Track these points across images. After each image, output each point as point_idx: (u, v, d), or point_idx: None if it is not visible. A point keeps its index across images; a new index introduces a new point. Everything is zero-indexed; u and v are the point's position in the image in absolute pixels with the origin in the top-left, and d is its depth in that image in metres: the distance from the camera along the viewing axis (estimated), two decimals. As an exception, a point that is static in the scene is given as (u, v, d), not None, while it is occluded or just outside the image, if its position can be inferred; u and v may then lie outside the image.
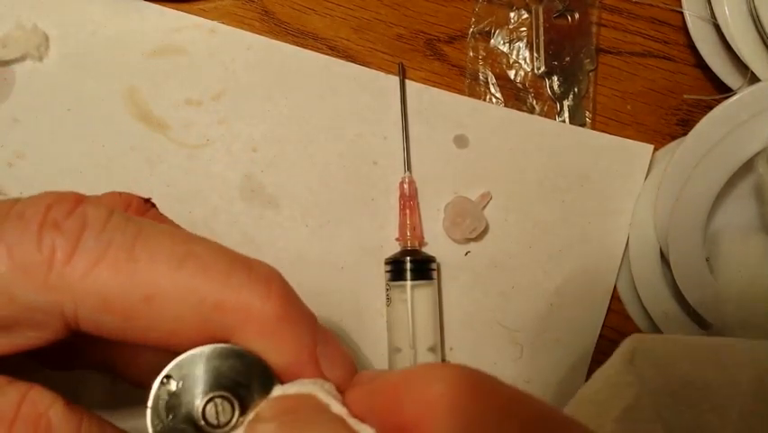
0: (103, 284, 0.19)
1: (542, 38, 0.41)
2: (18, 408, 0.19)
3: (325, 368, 0.22)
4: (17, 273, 0.19)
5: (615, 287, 0.40)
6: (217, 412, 0.20)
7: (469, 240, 0.38)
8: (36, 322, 0.20)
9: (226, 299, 0.20)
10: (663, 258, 0.37)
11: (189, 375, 0.20)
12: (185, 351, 0.20)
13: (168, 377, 0.20)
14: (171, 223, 0.26)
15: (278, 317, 0.21)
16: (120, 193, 0.26)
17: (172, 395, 0.20)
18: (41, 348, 0.20)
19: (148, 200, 0.26)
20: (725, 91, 0.39)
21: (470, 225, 0.38)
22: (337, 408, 0.20)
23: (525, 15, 0.41)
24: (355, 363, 0.23)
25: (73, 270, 0.19)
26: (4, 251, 0.19)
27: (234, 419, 0.20)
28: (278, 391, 0.20)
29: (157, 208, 0.26)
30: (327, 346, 0.22)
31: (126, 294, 0.19)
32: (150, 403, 0.19)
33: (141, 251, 0.19)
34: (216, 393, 0.20)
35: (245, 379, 0.20)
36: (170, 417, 0.20)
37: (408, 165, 0.38)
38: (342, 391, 0.22)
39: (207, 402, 0.20)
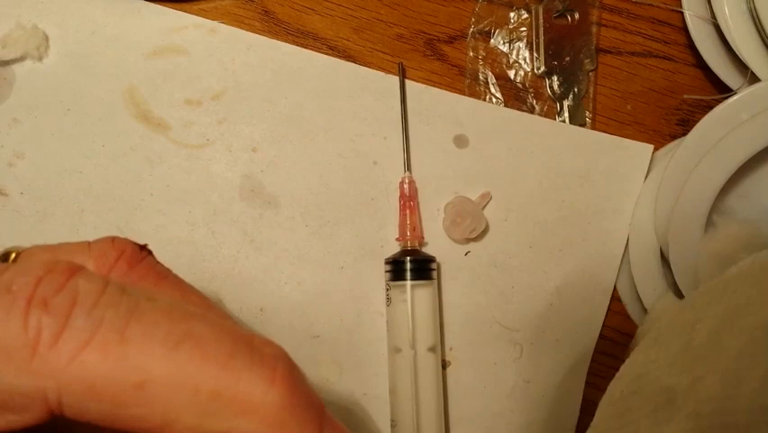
0: (90, 369, 0.18)
1: (542, 38, 0.41)
2: None
3: None
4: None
5: (615, 287, 0.40)
6: None
7: (469, 240, 0.38)
8: (16, 405, 0.18)
9: (225, 386, 0.18)
10: (663, 258, 0.37)
11: None
12: None
13: None
14: (170, 276, 0.24)
15: (283, 406, 0.19)
16: (113, 239, 0.24)
17: None
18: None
19: (143, 247, 0.24)
20: (725, 91, 0.39)
21: (471, 225, 0.38)
22: None
23: (525, 15, 0.41)
24: None
25: (59, 354, 0.17)
26: None
27: None
28: None
29: (153, 256, 0.24)
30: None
31: (116, 380, 0.18)
32: None
33: (134, 331, 0.18)
34: None
35: None
36: None
37: (408, 165, 0.38)
38: None
39: None
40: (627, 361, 0.30)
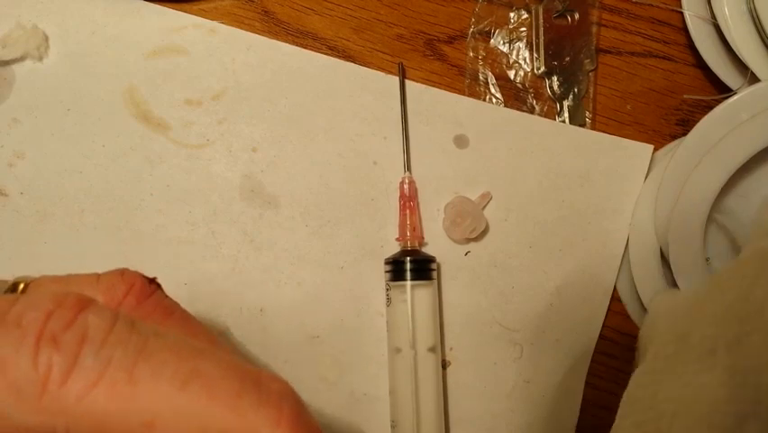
0: (100, 408, 0.18)
1: (542, 38, 0.41)
2: None
3: None
4: (9, 391, 0.18)
5: (615, 287, 0.40)
6: None
7: (469, 240, 0.38)
8: None
9: (233, 427, 0.19)
10: (663, 258, 0.37)
11: None
12: None
13: None
14: (177, 311, 0.25)
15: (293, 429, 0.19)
16: (123, 272, 0.24)
17: None
18: None
19: (153, 280, 0.25)
20: (725, 91, 0.39)
21: (471, 225, 0.38)
22: None
23: (525, 15, 0.41)
24: None
25: (68, 392, 0.18)
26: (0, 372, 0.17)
27: None
28: None
29: (162, 289, 0.25)
30: None
31: (124, 420, 0.18)
32: None
33: (142, 370, 0.18)
34: None
35: None
36: None
37: (408, 165, 0.38)
38: None
39: None
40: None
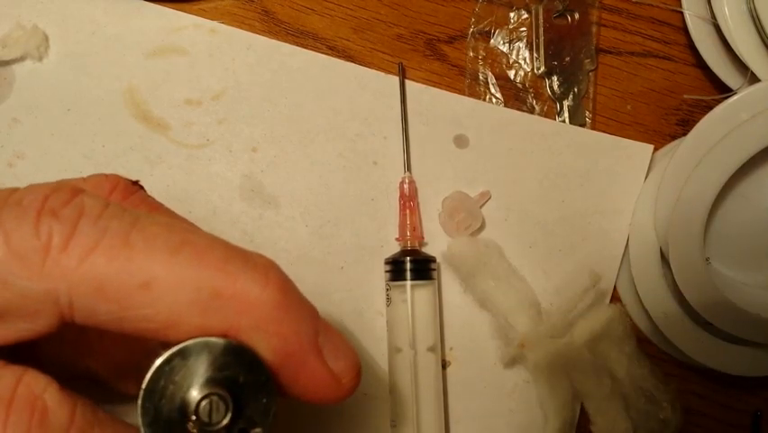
0: (99, 271, 0.19)
1: (542, 38, 0.41)
2: (14, 390, 0.19)
3: (329, 358, 0.22)
4: (13, 260, 0.19)
5: (615, 287, 0.40)
6: (211, 410, 0.19)
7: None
8: (29, 312, 0.19)
9: (224, 286, 0.20)
10: (663, 258, 0.37)
11: (188, 365, 0.20)
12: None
13: (168, 362, 0.19)
14: (162, 207, 0.26)
15: (278, 304, 0.20)
16: (106, 175, 0.25)
17: (168, 381, 0.19)
18: (31, 342, 0.20)
19: (136, 182, 0.26)
20: (725, 91, 0.39)
21: (465, 220, 0.37)
22: None
23: (525, 15, 0.41)
24: (358, 356, 0.23)
25: (69, 257, 0.19)
26: (2, 237, 0.19)
27: (226, 420, 0.19)
28: None
29: (145, 190, 0.26)
30: (329, 337, 0.22)
31: (122, 281, 0.19)
32: (144, 385, 0.19)
33: (137, 238, 0.19)
34: (213, 391, 0.19)
35: (243, 378, 0.20)
36: (162, 402, 0.19)
37: (408, 165, 0.38)
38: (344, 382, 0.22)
39: (203, 398, 0.19)
40: None
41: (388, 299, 0.36)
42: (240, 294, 0.20)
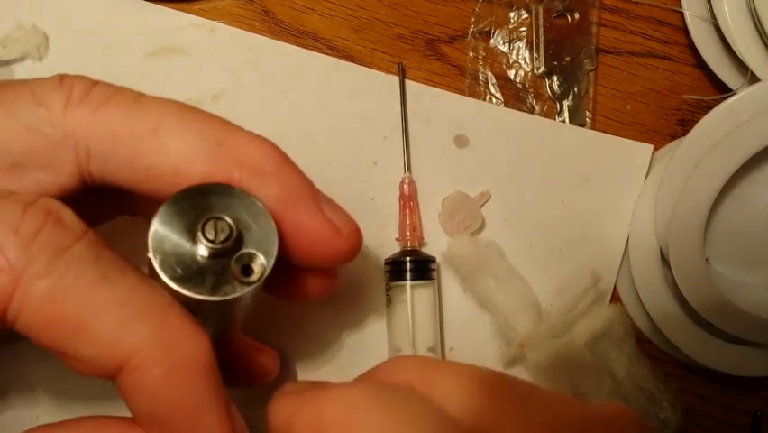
0: (113, 118, 0.21)
1: (542, 38, 0.41)
2: (34, 200, 0.20)
3: (327, 211, 0.24)
4: (37, 107, 0.21)
5: (615, 287, 0.40)
6: (216, 230, 0.21)
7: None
8: (50, 161, 0.21)
9: (226, 136, 0.22)
10: (663, 258, 0.37)
11: (194, 205, 0.21)
12: None
13: (176, 201, 0.21)
14: None
15: (278, 156, 0.23)
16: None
17: (177, 216, 0.21)
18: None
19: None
20: (725, 91, 0.39)
21: (465, 220, 0.38)
22: None
23: (525, 15, 0.41)
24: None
25: (87, 105, 0.21)
26: (29, 92, 0.21)
27: (230, 243, 0.21)
28: None
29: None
30: (325, 198, 0.25)
31: (133, 126, 0.21)
32: (154, 220, 0.21)
33: (146, 98, 0.22)
34: (216, 215, 0.21)
35: (246, 218, 0.22)
36: (171, 232, 0.21)
37: (408, 165, 0.38)
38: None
39: (208, 220, 0.21)
40: None
41: (388, 299, 0.36)
42: (241, 144, 0.23)
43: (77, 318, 0.19)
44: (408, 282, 0.36)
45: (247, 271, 0.21)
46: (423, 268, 0.36)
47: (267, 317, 0.37)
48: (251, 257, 0.22)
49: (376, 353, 0.37)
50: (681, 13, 0.40)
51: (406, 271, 0.36)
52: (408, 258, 0.36)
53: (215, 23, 0.39)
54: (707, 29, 0.39)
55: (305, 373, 0.37)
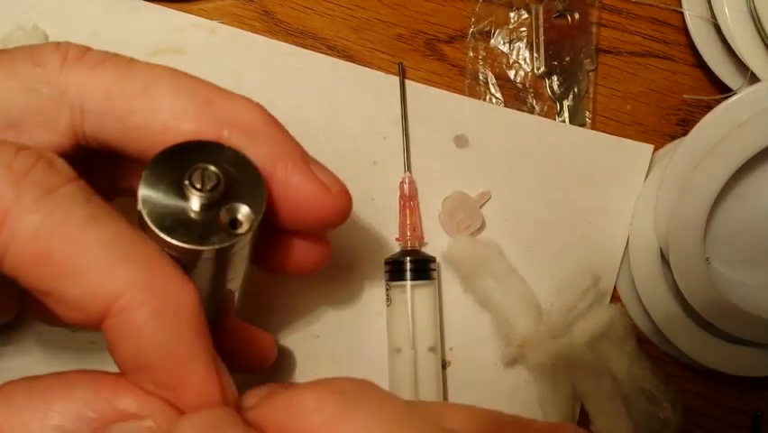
0: (106, 78, 0.22)
1: (542, 38, 0.41)
2: (27, 146, 0.20)
3: (316, 171, 0.25)
4: (34, 67, 0.22)
5: (615, 287, 0.40)
6: (203, 178, 0.21)
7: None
8: (46, 118, 0.22)
9: (215, 96, 0.23)
10: (663, 258, 0.37)
11: (184, 159, 0.22)
12: None
13: (166, 154, 0.22)
14: None
15: (267, 117, 0.24)
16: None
17: (167, 168, 0.22)
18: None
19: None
20: (725, 91, 0.39)
21: (465, 220, 0.38)
22: None
23: (525, 15, 0.41)
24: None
25: (82, 65, 0.22)
26: (28, 54, 0.22)
27: (218, 193, 0.21)
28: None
29: None
30: (314, 160, 0.25)
31: (126, 85, 0.22)
32: (145, 169, 0.21)
33: (140, 62, 0.23)
34: (204, 166, 0.21)
35: (235, 173, 0.22)
36: (161, 181, 0.21)
37: (408, 165, 0.38)
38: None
39: (196, 169, 0.21)
40: None
41: (388, 299, 0.36)
42: (231, 104, 0.23)
43: (64, 257, 0.19)
44: (408, 282, 0.36)
45: (235, 223, 0.22)
46: (423, 268, 0.36)
47: (266, 317, 0.37)
48: (240, 209, 0.22)
49: (376, 353, 0.37)
50: (681, 13, 0.40)
51: (406, 270, 0.36)
52: (408, 258, 0.36)
53: (215, 23, 0.39)
54: (707, 29, 0.39)
55: (304, 373, 0.37)
